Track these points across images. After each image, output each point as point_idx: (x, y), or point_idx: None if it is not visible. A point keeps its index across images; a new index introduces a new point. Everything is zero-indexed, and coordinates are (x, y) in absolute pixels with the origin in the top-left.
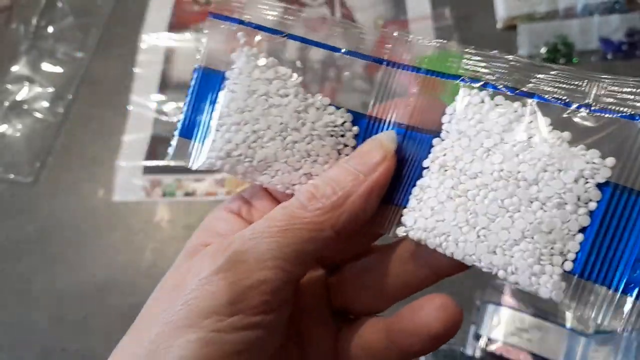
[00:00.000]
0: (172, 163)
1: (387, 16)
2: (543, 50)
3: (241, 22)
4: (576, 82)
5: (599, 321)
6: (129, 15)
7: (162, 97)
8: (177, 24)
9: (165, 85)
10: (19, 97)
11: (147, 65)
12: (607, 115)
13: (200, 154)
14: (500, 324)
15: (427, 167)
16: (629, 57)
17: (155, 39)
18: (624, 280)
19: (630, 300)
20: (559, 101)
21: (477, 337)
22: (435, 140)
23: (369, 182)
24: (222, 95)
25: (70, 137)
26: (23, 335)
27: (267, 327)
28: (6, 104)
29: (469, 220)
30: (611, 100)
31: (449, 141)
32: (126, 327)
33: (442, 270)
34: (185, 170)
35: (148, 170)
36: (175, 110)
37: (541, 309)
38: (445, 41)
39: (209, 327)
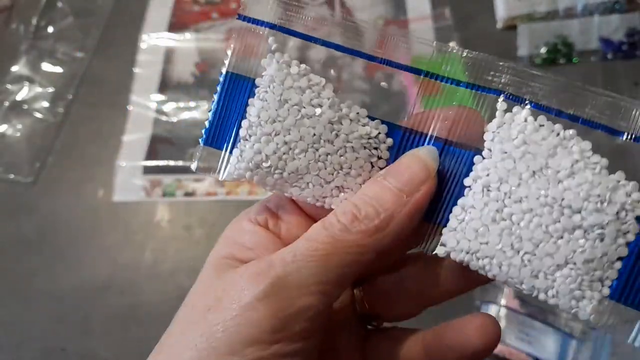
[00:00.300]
0: (196, 170)
1: (387, 16)
2: (543, 50)
3: (272, 26)
4: (618, 108)
5: (635, 343)
6: (129, 15)
7: (162, 97)
8: (177, 24)
9: (165, 85)
10: (19, 97)
11: (147, 65)
12: None
13: (228, 165)
14: (502, 325)
15: (469, 186)
16: (629, 57)
17: (155, 39)
18: None
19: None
20: (601, 127)
21: None
22: (476, 158)
23: (412, 204)
24: (252, 104)
25: (70, 137)
26: (23, 335)
27: (307, 352)
28: (6, 104)
29: (514, 245)
30: None
31: (493, 161)
32: (126, 326)
33: (481, 282)
34: (185, 170)
35: (148, 170)
36: (175, 110)
37: (541, 312)
38: (480, 54)
39: (251, 355)
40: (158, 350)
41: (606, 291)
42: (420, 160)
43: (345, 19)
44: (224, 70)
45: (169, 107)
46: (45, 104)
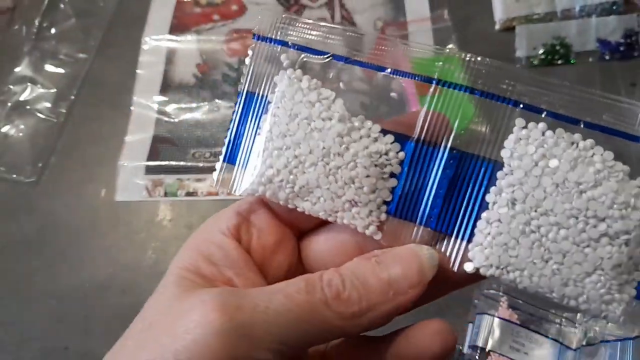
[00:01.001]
0: (214, 186)
1: (386, 18)
2: (541, 51)
3: (284, 43)
4: (634, 113)
5: None
6: (130, 16)
7: (163, 98)
8: (178, 26)
9: (167, 86)
10: (21, 98)
11: (148, 66)
12: None
13: (243, 180)
14: (496, 336)
15: (494, 201)
16: (626, 58)
17: (156, 41)
18: None
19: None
20: (620, 134)
21: (474, 348)
22: (499, 174)
23: (395, 303)
24: (265, 120)
25: (72, 138)
26: (24, 335)
27: None
28: (9, 104)
29: (544, 256)
30: None
31: (516, 177)
32: (127, 326)
33: (460, 286)
34: (187, 170)
35: (150, 170)
36: (176, 110)
37: (536, 322)
38: (494, 61)
39: None
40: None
41: (633, 292)
42: (418, 262)
43: (362, 32)
44: (240, 89)
45: (170, 107)
46: (48, 104)
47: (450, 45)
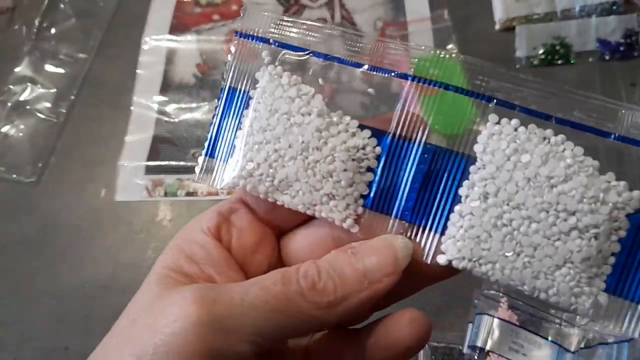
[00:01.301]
0: (199, 180)
1: (386, 18)
2: (541, 51)
3: (266, 40)
4: (604, 110)
5: (629, 334)
6: (130, 16)
7: (163, 98)
8: (178, 26)
9: (167, 86)
10: (21, 98)
11: (148, 66)
12: (633, 146)
13: (225, 174)
14: (495, 336)
15: (466, 195)
16: (626, 58)
17: (156, 41)
18: None
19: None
20: (591, 130)
21: (473, 348)
22: (472, 168)
23: (370, 291)
24: (246, 115)
25: (72, 138)
26: (24, 334)
27: None
28: (9, 104)
29: (515, 249)
30: (638, 131)
31: (488, 172)
32: None
33: (433, 281)
34: (187, 170)
35: (150, 170)
36: (176, 110)
37: (535, 324)
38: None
39: None
40: (90, 358)
41: (602, 285)
42: (392, 251)
43: (343, 29)
44: (222, 85)
45: (170, 107)
46: (48, 104)
47: (450, 45)
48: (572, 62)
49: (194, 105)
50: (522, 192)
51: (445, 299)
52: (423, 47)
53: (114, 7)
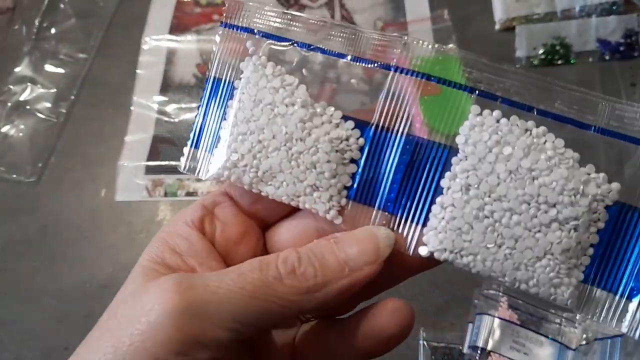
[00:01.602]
0: (184, 171)
1: (386, 18)
2: (541, 51)
3: (250, 30)
4: (585, 102)
5: (606, 324)
6: (130, 17)
7: (163, 98)
8: (178, 26)
9: (167, 86)
10: (21, 98)
11: (148, 66)
12: (612, 138)
13: (210, 165)
14: (496, 336)
15: (448, 186)
16: (626, 58)
17: (156, 41)
18: (629, 287)
19: (634, 305)
20: (572, 122)
21: (474, 348)
22: (454, 159)
23: (350, 279)
24: (231, 105)
25: (72, 138)
26: (25, 334)
27: None
28: (9, 104)
29: (497, 241)
30: (617, 123)
31: (470, 163)
32: None
33: (413, 273)
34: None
35: (150, 170)
36: (176, 110)
37: (536, 323)
38: (449, 46)
39: None
40: (76, 352)
41: (581, 276)
42: (374, 241)
43: (328, 20)
44: (207, 75)
45: (170, 107)
46: (48, 104)
47: (450, 45)
48: (572, 62)
49: (194, 105)
50: (503, 184)
51: (445, 299)
52: (406, 37)
53: (114, 7)
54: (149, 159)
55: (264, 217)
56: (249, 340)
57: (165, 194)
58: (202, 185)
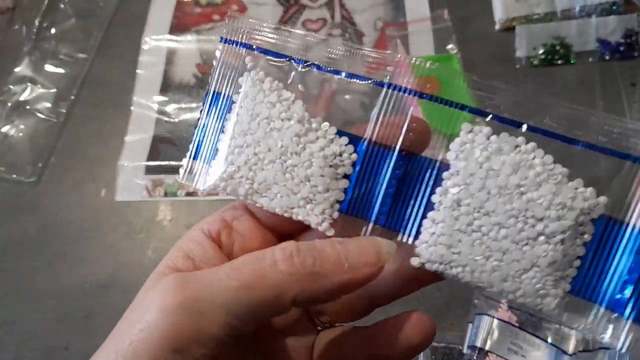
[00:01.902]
0: (182, 180)
1: (386, 18)
2: (541, 51)
3: (249, 46)
4: (573, 117)
5: (591, 334)
6: (130, 17)
7: (163, 98)
8: (178, 26)
9: (167, 86)
10: (21, 98)
11: (149, 67)
12: (600, 154)
13: (208, 176)
14: (495, 337)
15: (439, 201)
16: (626, 58)
17: (156, 41)
18: (614, 299)
19: (616, 316)
20: (560, 138)
21: (472, 348)
22: (445, 174)
23: (349, 277)
24: (229, 119)
25: (72, 138)
26: (25, 334)
27: None
28: (9, 104)
29: (485, 254)
30: (606, 139)
31: (461, 178)
32: None
33: (427, 283)
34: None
35: (150, 170)
36: (176, 110)
37: (535, 325)
38: (447, 53)
39: None
40: (101, 348)
41: (568, 287)
42: (376, 248)
43: (325, 37)
44: (207, 89)
45: (170, 107)
46: (48, 104)
47: (450, 45)
48: (572, 62)
49: (194, 105)
50: (492, 200)
51: (445, 299)
52: (399, 55)
53: (114, 7)
54: (149, 159)
55: (281, 230)
56: (250, 339)
57: (165, 194)
58: None
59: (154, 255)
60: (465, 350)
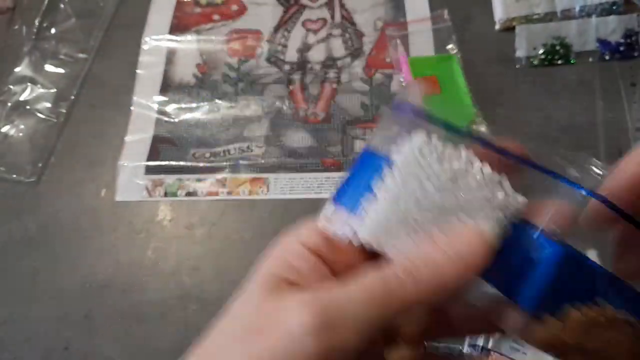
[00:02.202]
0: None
1: (386, 18)
2: (541, 51)
3: (418, 113)
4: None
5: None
6: (130, 17)
7: (163, 98)
8: (178, 26)
9: (167, 86)
10: (21, 98)
11: (149, 67)
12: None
13: (353, 225)
14: (497, 335)
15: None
16: (626, 58)
17: (156, 41)
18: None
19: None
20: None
21: (474, 347)
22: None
23: (457, 268)
24: (385, 176)
25: (72, 138)
26: (26, 334)
27: None
28: (9, 104)
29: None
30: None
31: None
32: (128, 325)
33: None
34: (187, 170)
35: (150, 170)
36: (176, 110)
37: None
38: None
39: None
40: (197, 354)
41: None
42: (482, 239)
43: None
44: (365, 146)
45: (170, 107)
46: (48, 104)
47: (450, 45)
48: (572, 62)
49: (194, 105)
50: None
51: None
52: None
53: (114, 7)
54: (149, 159)
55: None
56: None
57: (165, 194)
58: (202, 185)
59: (154, 255)
60: (465, 350)
